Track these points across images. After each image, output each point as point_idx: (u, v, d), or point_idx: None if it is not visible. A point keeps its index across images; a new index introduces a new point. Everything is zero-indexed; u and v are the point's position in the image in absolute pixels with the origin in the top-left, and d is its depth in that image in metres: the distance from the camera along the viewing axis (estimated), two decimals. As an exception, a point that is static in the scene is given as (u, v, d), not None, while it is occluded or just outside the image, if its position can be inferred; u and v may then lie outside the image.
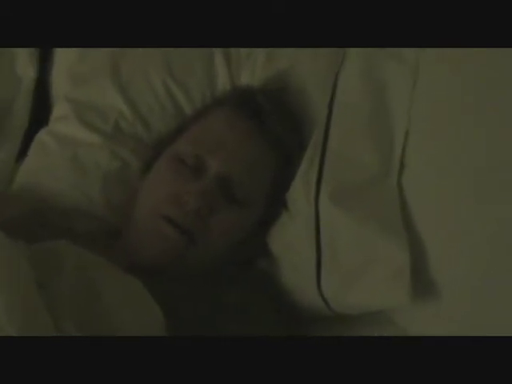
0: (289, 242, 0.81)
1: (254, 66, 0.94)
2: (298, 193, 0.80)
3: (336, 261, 0.76)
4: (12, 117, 0.99)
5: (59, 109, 0.96)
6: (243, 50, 0.96)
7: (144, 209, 0.81)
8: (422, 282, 0.72)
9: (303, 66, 0.88)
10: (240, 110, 0.83)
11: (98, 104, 0.94)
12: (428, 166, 0.77)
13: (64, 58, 1.01)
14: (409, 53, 0.79)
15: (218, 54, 0.96)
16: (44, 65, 1.02)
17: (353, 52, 0.82)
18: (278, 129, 0.83)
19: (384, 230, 0.74)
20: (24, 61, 1.00)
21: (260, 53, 0.94)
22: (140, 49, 0.94)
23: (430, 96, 0.78)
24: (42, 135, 0.94)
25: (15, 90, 1.00)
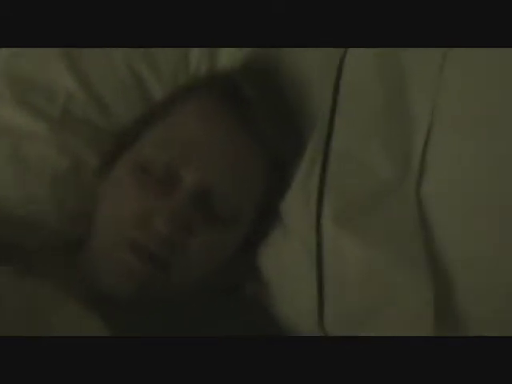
0: (284, 265, 0.66)
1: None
2: (296, 205, 0.65)
3: (342, 294, 0.62)
4: None
5: (-5, 84, 0.77)
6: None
7: (104, 228, 0.65)
8: (448, 324, 0.60)
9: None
10: (220, 102, 0.66)
11: (42, 80, 0.74)
12: (455, 170, 0.62)
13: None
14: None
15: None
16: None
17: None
18: (269, 125, 0.66)
19: (401, 257, 0.61)
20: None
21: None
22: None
23: (460, 85, 0.63)
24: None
25: None
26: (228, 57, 0.75)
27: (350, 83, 0.65)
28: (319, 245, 0.63)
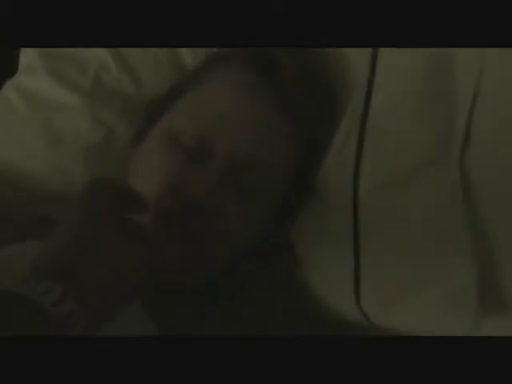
0: (319, 239, 0.64)
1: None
2: (331, 178, 0.63)
3: (379, 271, 0.60)
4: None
5: (26, 55, 0.76)
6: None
7: None
8: (490, 304, 0.57)
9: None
10: (252, 72, 0.63)
11: (73, 50, 0.73)
12: (499, 143, 0.58)
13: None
14: None
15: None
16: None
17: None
18: (303, 97, 0.63)
19: (442, 235, 0.58)
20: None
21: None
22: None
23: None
24: (8, 90, 0.74)
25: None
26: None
27: (388, 52, 0.61)
28: (356, 220, 0.60)
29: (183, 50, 0.74)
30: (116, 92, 0.73)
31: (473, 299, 0.56)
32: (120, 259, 0.48)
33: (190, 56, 0.73)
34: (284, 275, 0.66)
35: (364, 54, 0.62)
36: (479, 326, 0.56)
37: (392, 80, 0.61)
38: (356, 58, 0.64)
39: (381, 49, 0.62)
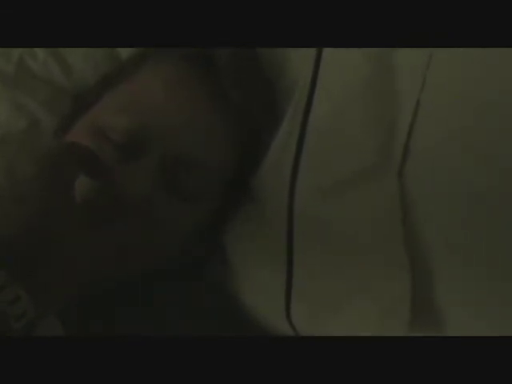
0: (253, 246, 0.61)
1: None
2: (268, 181, 0.60)
3: (311, 283, 0.57)
4: None
5: None
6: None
7: None
8: (424, 317, 0.55)
9: None
10: (188, 65, 0.60)
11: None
12: (440, 153, 0.57)
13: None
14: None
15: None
16: None
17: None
18: (241, 93, 0.60)
19: (377, 247, 0.56)
20: None
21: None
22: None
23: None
24: None
25: None
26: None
27: (332, 55, 0.59)
28: (291, 227, 0.58)
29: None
30: (43, 79, 0.68)
31: (406, 313, 0.54)
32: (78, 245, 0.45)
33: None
34: (214, 283, 0.62)
35: (308, 54, 0.60)
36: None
37: (335, 81, 0.59)
38: (299, 59, 0.61)
39: (324, 49, 0.60)
